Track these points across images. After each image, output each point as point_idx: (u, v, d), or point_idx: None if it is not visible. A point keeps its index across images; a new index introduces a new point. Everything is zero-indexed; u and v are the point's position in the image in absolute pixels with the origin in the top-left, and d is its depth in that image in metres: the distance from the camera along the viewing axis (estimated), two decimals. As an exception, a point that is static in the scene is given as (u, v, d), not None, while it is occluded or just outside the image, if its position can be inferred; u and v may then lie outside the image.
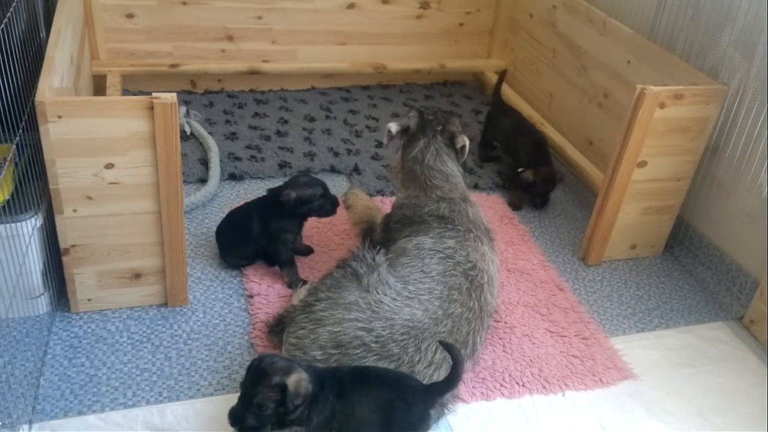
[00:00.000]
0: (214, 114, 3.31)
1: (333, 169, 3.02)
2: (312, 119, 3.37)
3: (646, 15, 2.86)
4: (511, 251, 2.62)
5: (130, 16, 3.24)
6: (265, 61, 3.52)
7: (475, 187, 2.98)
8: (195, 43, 3.40)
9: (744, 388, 2.15)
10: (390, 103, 3.64)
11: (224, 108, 3.38)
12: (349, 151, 3.12)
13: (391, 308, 1.86)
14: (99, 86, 3.16)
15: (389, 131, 2.29)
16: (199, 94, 3.49)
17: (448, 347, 1.70)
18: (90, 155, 1.86)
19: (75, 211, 1.93)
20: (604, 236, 2.57)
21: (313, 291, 1.98)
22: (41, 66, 1.95)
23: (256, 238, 2.30)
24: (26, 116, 1.97)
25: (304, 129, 3.27)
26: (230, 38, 3.44)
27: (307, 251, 2.49)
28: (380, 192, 2.88)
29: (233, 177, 2.88)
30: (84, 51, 2.92)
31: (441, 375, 1.81)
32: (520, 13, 3.70)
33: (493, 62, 3.87)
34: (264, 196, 2.35)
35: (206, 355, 2.03)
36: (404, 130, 2.32)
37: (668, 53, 2.67)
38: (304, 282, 2.29)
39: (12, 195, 1.92)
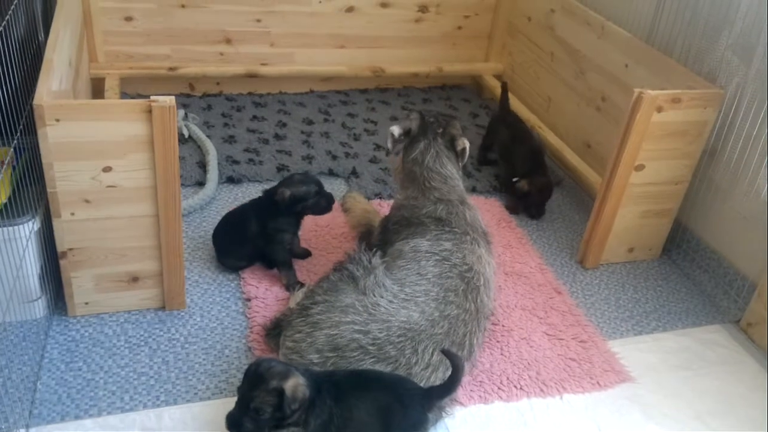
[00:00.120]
0: (212, 117, 3.31)
1: (331, 173, 3.02)
2: (310, 122, 3.37)
3: (643, 19, 2.87)
4: (508, 254, 2.62)
5: (128, 19, 3.25)
6: (263, 64, 3.52)
7: (473, 190, 2.99)
8: (193, 46, 3.40)
9: (741, 391, 2.15)
10: (388, 106, 3.64)
11: (222, 111, 3.38)
12: (347, 155, 3.13)
13: (388, 310, 1.86)
14: (97, 89, 3.16)
15: (392, 134, 2.30)
16: (198, 97, 3.49)
17: (449, 355, 1.71)
18: (88, 158, 1.86)
19: (72, 214, 1.93)
20: (602, 239, 2.58)
21: (310, 294, 1.98)
22: (40, 69, 1.95)
23: (253, 239, 2.30)
24: (24, 119, 1.97)
25: (302, 132, 3.27)
26: (229, 41, 3.44)
27: (305, 254, 2.49)
28: (378, 195, 2.88)
29: (231, 180, 2.89)
30: (82, 54, 2.92)
31: (438, 377, 1.81)
32: (518, 17, 3.71)
33: (491, 66, 3.88)
34: (259, 197, 2.35)
35: (204, 359, 2.03)
36: (406, 133, 2.32)
37: (666, 57, 2.68)
38: (302, 285, 2.29)
39: (9, 198, 1.91)
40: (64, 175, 1.86)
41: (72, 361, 1.97)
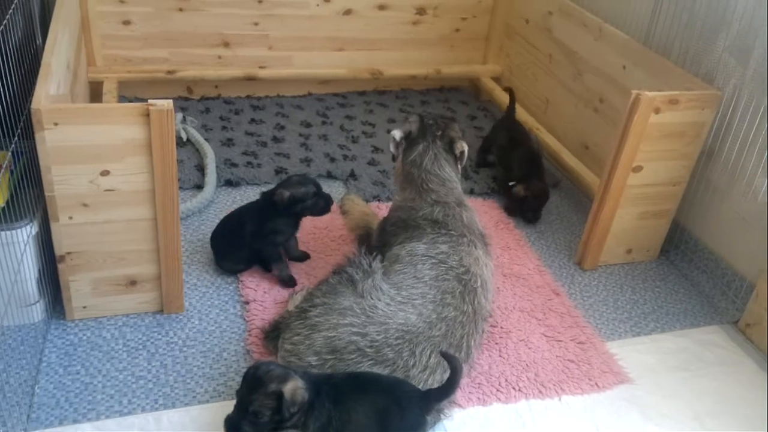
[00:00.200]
0: (210, 120, 3.31)
1: (329, 175, 3.02)
2: (308, 125, 3.38)
3: (641, 20, 2.87)
4: (507, 256, 2.63)
5: (126, 22, 3.25)
6: (261, 67, 3.53)
7: (471, 192, 2.99)
8: (191, 50, 3.40)
9: (740, 391, 2.15)
10: (386, 108, 3.65)
11: (221, 114, 3.38)
12: (345, 157, 3.13)
13: (386, 313, 1.86)
14: (95, 93, 3.16)
15: (394, 138, 2.30)
16: (196, 100, 3.49)
17: (447, 357, 1.71)
18: (86, 162, 1.86)
19: (70, 218, 1.93)
20: (600, 241, 2.58)
21: (309, 297, 1.98)
22: (38, 73, 1.96)
23: (251, 242, 2.30)
24: (22, 123, 1.97)
25: (300, 135, 3.28)
26: (227, 44, 3.45)
27: (304, 257, 2.49)
28: (376, 197, 2.89)
29: (229, 183, 2.89)
30: (80, 57, 2.93)
31: (436, 379, 1.81)
32: (515, 19, 3.71)
33: (489, 68, 3.88)
34: (257, 200, 2.35)
35: (202, 362, 2.03)
36: (406, 136, 2.33)
37: (663, 58, 2.68)
38: (293, 279, 2.32)
39: (7, 202, 1.91)
40: (62, 179, 1.86)
41: (70, 365, 1.97)
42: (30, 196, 1.99)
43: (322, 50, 3.60)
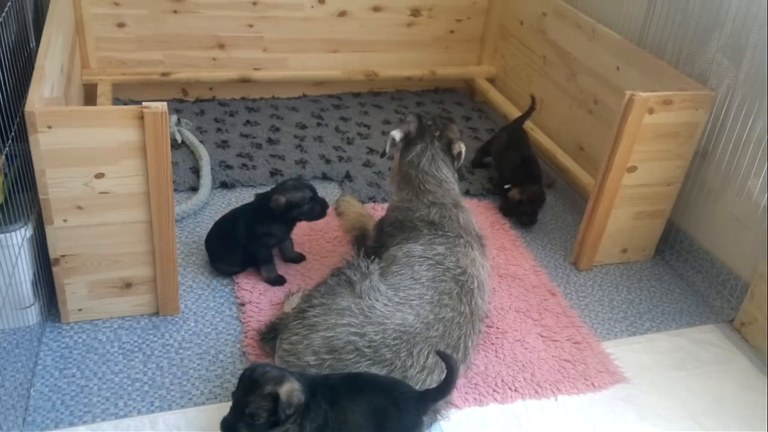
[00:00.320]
0: (205, 122, 3.31)
1: (325, 177, 3.02)
2: (303, 127, 3.38)
3: (634, 21, 2.88)
4: (502, 256, 2.63)
5: (121, 25, 3.24)
6: (256, 69, 3.52)
7: (467, 193, 2.99)
8: (186, 52, 3.40)
9: (735, 390, 2.16)
10: (381, 110, 3.65)
11: (215, 116, 3.38)
12: (340, 158, 3.13)
13: (383, 313, 1.86)
14: (90, 95, 3.16)
15: (393, 139, 2.30)
16: (191, 102, 3.49)
17: (444, 357, 1.71)
18: (80, 165, 1.86)
19: (65, 221, 1.93)
20: (595, 241, 2.59)
21: (307, 298, 1.98)
22: (31, 76, 1.95)
23: (245, 243, 2.30)
24: (16, 127, 1.97)
25: (295, 137, 3.28)
26: (221, 46, 3.44)
27: (299, 258, 2.49)
28: (372, 199, 2.89)
29: (224, 185, 2.88)
30: (75, 60, 2.92)
31: (433, 379, 1.81)
32: (510, 21, 3.72)
33: (484, 69, 3.89)
34: (251, 201, 2.35)
35: (198, 364, 2.03)
36: (405, 136, 2.33)
37: (657, 59, 2.69)
38: (281, 278, 2.34)
39: (1, 206, 1.91)
40: (56, 182, 1.86)
41: (65, 368, 1.96)
42: (24, 199, 1.99)
43: (317, 52, 3.61)
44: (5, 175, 2.00)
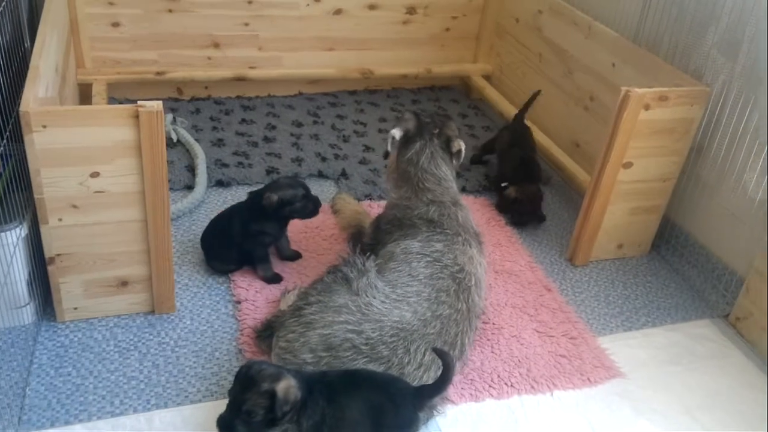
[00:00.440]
0: (200, 121, 3.31)
1: (321, 174, 3.02)
2: (299, 125, 3.38)
3: (630, 18, 2.88)
4: (498, 253, 2.63)
5: (115, 24, 3.24)
6: (251, 67, 3.52)
7: (463, 189, 2.99)
8: (181, 51, 3.40)
9: (731, 384, 2.16)
10: (377, 108, 3.65)
11: (211, 115, 3.37)
12: (336, 156, 3.13)
13: (381, 310, 1.86)
14: (85, 95, 3.15)
15: (393, 137, 2.29)
16: (186, 101, 3.48)
17: (440, 354, 1.71)
18: (75, 164, 1.86)
19: (60, 220, 1.92)
20: (591, 236, 2.59)
21: (304, 295, 1.98)
22: (26, 76, 1.95)
23: (240, 242, 2.30)
24: (11, 126, 1.96)
25: (291, 135, 3.28)
26: (216, 45, 3.44)
27: (295, 256, 2.49)
28: (368, 196, 2.89)
29: (220, 184, 2.88)
30: (69, 60, 2.92)
31: (431, 376, 1.81)
32: (506, 18, 3.72)
33: (479, 66, 3.89)
34: (245, 199, 2.35)
35: (194, 362, 2.03)
36: (404, 134, 2.33)
37: (652, 55, 2.69)
38: (278, 276, 2.33)
39: (-4, 205, 1.91)
40: (51, 181, 1.86)
41: (61, 367, 1.96)
42: (19, 199, 1.99)
43: (313, 50, 3.60)
44: (0, 174, 2.00)
